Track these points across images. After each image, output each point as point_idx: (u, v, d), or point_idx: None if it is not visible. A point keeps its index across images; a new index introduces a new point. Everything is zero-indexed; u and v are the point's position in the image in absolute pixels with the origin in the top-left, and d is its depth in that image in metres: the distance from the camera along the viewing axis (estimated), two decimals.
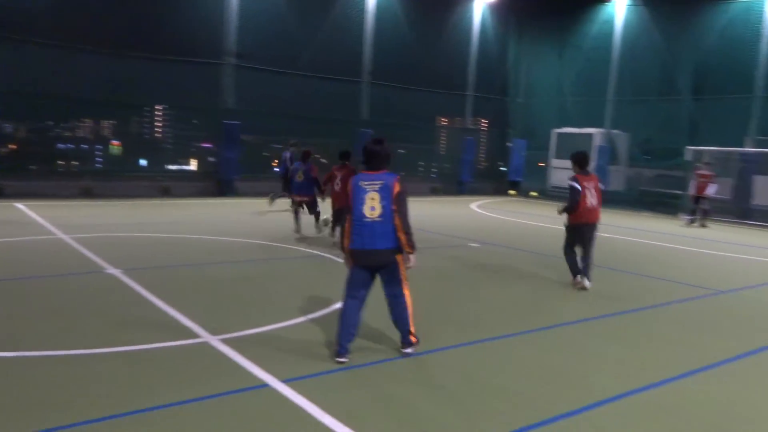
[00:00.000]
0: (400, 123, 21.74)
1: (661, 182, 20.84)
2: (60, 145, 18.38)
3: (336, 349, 5.01)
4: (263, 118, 19.67)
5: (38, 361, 4.76)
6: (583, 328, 6.46)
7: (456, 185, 24.07)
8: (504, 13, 24.84)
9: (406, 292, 5.18)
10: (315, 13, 20.23)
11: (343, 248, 5.22)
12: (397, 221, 4.94)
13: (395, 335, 5.42)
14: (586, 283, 8.06)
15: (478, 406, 4.29)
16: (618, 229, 14.38)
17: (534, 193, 24.11)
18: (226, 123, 18.09)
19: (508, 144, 25.83)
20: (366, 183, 5.01)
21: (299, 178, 11.32)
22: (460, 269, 9.24)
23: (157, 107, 19.33)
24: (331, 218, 10.74)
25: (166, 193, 17.48)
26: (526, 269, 9.49)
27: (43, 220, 11.69)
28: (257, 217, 14.00)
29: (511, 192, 24.93)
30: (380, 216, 4.93)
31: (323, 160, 19.18)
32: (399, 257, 5.08)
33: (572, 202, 8.05)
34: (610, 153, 21.49)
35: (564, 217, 8.37)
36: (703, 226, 16.24)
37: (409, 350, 5.22)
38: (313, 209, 11.54)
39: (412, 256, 5.07)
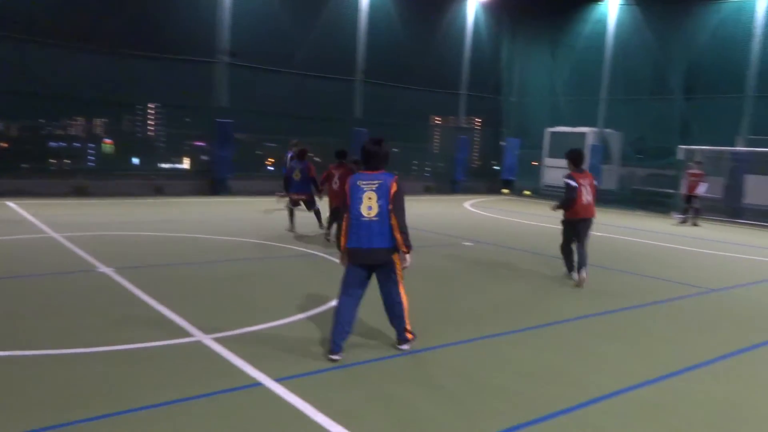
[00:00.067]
0: (394, 122, 21.73)
1: (654, 181, 20.95)
2: (52, 144, 18.28)
3: (329, 346, 5.02)
4: (257, 117, 19.64)
5: (29, 360, 4.74)
6: (578, 326, 6.49)
7: (449, 184, 24.10)
8: (497, 13, 24.88)
9: (402, 291, 5.24)
10: (308, 11, 20.20)
11: (339, 247, 5.26)
12: (394, 221, 4.99)
13: (390, 333, 5.44)
14: (584, 274, 8.23)
15: (475, 403, 4.30)
16: (611, 228, 14.44)
17: (527, 192, 24.17)
18: (220, 121, 18.04)
19: (502, 143, 25.88)
20: (364, 182, 5.06)
21: (296, 176, 11.33)
22: (454, 268, 9.25)
23: (150, 105, 19.25)
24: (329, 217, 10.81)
25: (159, 191, 17.41)
26: (520, 268, 9.51)
27: (35, 219, 11.62)
28: (254, 216, 13.98)
29: (505, 191, 24.98)
30: (377, 215, 4.99)
31: (317, 159, 19.14)
32: (395, 256, 5.13)
33: (566, 199, 8.31)
34: (602, 152, 21.57)
35: (559, 213, 8.60)
36: (695, 224, 16.33)
37: (405, 347, 5.28)
38: (312, 207, 11.58)
39: (408, 256, 5.13)
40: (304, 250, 10.00)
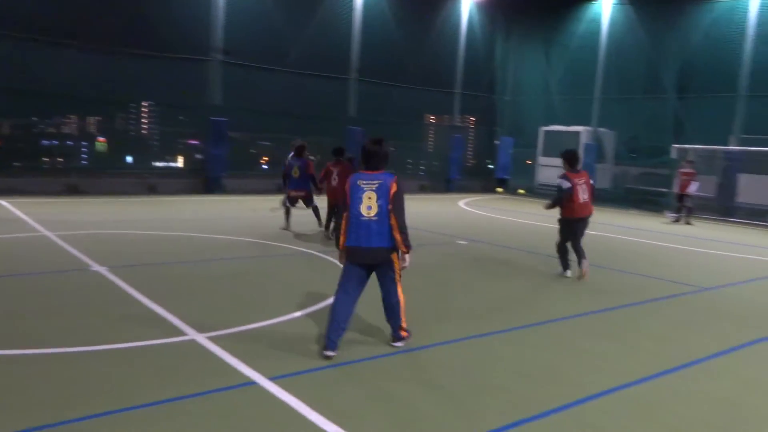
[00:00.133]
0: (388, 120, 21.72)
1: (647, 180, 21.03)
2: (45, 142, 18.16)
3: (324, 342, 5.03)
4: (250, 115, 19.58)
5: (20, 359, 4.71)
6: (573, 324, 6.50)
7: (444, 183, 24.11)
8: (491, 12, 24.91)
9: (400, 289, 5.29)
10: (302, 9, 20.17)
11: (338, 245, 5.31)
12: (393, 221, 5.03)
13: (387, 331, 5.45)
14: (585, 265, 8.47)
15: (470, 401, 4.31)
16: (605, 227, 14.48)
17: (521, 191, 24.22)
18: (213, 120, 17.99)
19: (496, 142, 25.92)
20: (364, 182, 5.10)
21: (295, 173, 11.32)
22: (448, 266, 9.26)
23: (143, 104, 19.17)
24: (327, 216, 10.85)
25: (152, 190, 17.36)
26: (514, 266, 9.53)
27: (28, 217, 11.56)
28: (248, 214, 13.96)
29: (499, 189, 25.02)
30: (376, 215, 5.03)
31: (311, 158, 19.08)
32: (393, 256, 5.17)
33: (557, 199, 8.50)
34: (596, 151, 21.64)
35: (552, 211, 8.72)
36: (688, 223, 16.41)
37: (398, 344, 5.31)
38: (310, 205, 11.58)
39: (407, 256, 5.18)
40: (299, 248, 9.99)
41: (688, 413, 4.35)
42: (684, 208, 16.51)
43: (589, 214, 8.62)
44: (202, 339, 5.28)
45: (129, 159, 19.12)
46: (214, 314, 6.08)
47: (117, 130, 19.36)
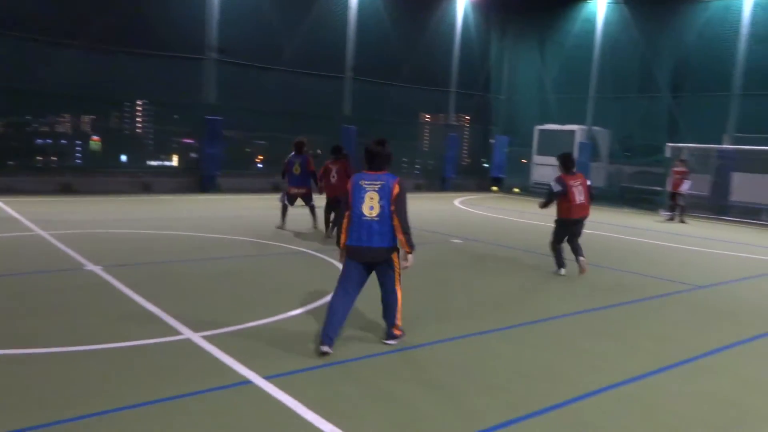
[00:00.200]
0: (383, 119, 21.72)
1: (642, 179, 21.09)
2: (39, 141, 18.08)
3: (320, 339, 5.03)
4: (245, 114, 19.55)
5: (14, 359, 4.68)
6: (570, 322, 6.51)
7: (439, 181, 24.12)
8: (486, 10, 24.93)
9: (398, 288, 5.33)
10: (297, 8, 20.14)
11: (339, 243, 5.37)
12: (396, 222, 5.08)
13: (384, 329, 5.45)
14: (584, 260, 8.68)
15: (467, 399, 4.30)
16: (600, 225, 14.51)
17: (516, 190, 24.25)
18: (208, 118, 17.94)
19: (491, 140, 25.95)
20: (366, 182, 5.14)
21: (296, 170, 11.30)
22: (444, 265, 9.26)
23: (137, 102, 19.10)
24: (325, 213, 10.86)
25: (146, 189, 17.30)
26: (510, 265, 9.54)
27: (21, 217, 11.50)
28: (243, 213, 13.92)
29: (494, 188, 25.04)
30: (378, 215, 5.07)
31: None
32: (394, 255, 5.21)
33: (548, 200, 8.72)
34: (591, 149, 21.69)
35: (546, 210, 8.87)
36: (682, 221, 16.46)
37: (391, 342, 5.33)
38: (309, 202, 11.57)
39: (410, 256, 5.22)
40: (295, 247, 9.97)
41: (686, 411, 4.36)
42: (678, 206, 16.57)
43: (586, 216, 8.73)
44: (197, 338, 5.25)
45: (123, 158, 19.06)
46: (210, 313, 6.06)
47: (111, 128, 19.30)
